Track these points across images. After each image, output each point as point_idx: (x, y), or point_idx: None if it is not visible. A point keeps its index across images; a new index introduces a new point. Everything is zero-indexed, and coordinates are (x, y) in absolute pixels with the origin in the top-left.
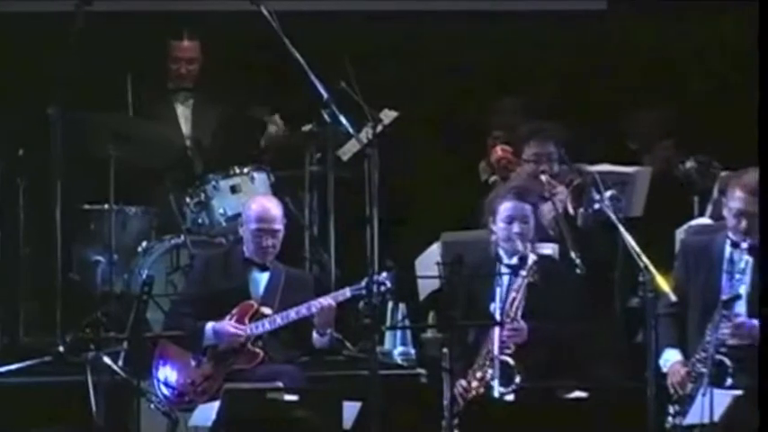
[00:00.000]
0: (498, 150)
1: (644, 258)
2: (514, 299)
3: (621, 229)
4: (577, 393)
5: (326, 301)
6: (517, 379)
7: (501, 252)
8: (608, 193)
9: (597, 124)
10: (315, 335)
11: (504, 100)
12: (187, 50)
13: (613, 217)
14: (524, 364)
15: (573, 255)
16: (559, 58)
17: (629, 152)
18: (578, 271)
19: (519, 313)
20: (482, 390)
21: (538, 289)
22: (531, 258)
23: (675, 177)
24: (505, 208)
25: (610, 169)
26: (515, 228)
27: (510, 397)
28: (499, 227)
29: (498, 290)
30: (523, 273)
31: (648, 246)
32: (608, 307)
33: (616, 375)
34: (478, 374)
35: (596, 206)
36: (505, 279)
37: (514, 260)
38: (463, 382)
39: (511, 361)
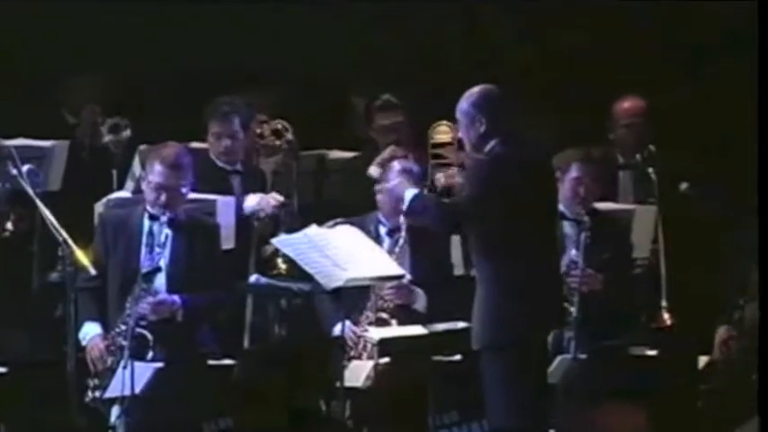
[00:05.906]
0: None
1: (63, 232)
2: None
3: (39, 203)
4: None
5: None
6: None
7: None
8: (26, 168)
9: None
10: None
11: None
12: None
13: (31, 192)
14: None
15: None
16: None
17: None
18: None
19: None
20: None
21: None
22: None
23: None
24: None
25: (26, 143)
26: None
27: None
28: None
29: None
30: None
31: (68, 220)
32: (27, 281)
33: (35, 350)
34: None
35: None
36: None
37: None
38: None
39: None
